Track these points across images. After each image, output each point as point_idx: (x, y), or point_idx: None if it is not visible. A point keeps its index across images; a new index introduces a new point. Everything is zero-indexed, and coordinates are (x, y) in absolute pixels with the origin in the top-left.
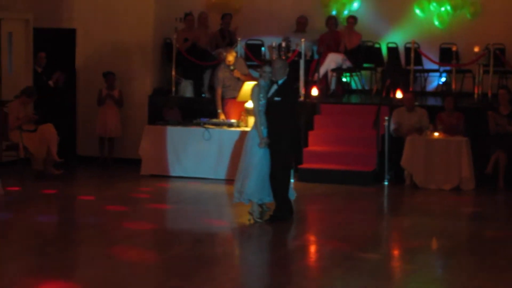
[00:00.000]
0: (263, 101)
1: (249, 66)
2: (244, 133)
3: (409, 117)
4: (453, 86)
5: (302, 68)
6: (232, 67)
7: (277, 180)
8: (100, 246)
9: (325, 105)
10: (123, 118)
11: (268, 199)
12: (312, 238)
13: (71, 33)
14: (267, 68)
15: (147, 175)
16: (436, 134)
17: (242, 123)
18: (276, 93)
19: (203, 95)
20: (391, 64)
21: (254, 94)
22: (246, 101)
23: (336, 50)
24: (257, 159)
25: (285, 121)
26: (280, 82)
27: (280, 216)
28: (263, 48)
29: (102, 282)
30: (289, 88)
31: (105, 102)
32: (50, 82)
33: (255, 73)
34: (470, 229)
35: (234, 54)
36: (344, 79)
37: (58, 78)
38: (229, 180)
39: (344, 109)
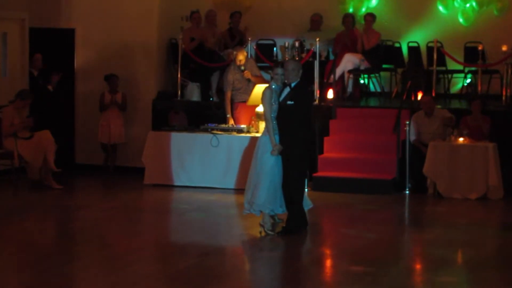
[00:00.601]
0: (275, 106)
1: (260, 68)
2: (254, 140)
3: (429, 123)
4: (479, 88)
5: (316, 70)
6: (242, 68)
7: (290, 189)
8: (101, 261)
9: (341, 109)
10: (126, 124)
11: (280, 210)
12: (327, 251)
13: (70, 33)
14: (279, 70)
15: (151, 184)
16: (461, 139)
17: (252, 129)
18: (289, 97)
19: (211, 98)
20: (412, 65)
21: (265, 98)
22: (257, 105)
23: (353, 50)
24: (269, 167)
25: (299, 127)
26: (293, 84)
27: (293, 228)
28: (275, 49)
29: None
30: (303, 91)
31: (108, 107)
32: (49, 86)
33: (266, 76)
34: (498, 241)
35: (245, 53)
36: (361, 81)
37: (53, 79)
38: (239, 190)
39: (361, 113)
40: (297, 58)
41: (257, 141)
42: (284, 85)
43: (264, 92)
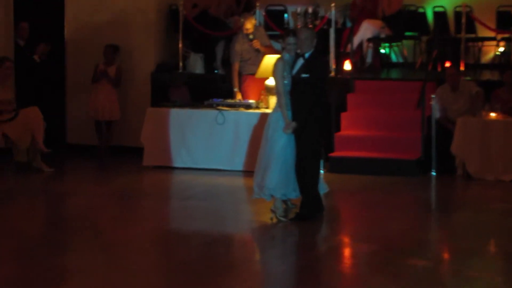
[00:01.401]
0: (287, 79)
1: (270, 37)
2: (264, 116)
3: (455, 99)
4: None
5: (332, 39)
6: (251, 37)
7: (305, 171)
8: (95, 250)
9: (360, 81)
10: (122, 100)
11: (294, 194)
12: (346, 239)
13: None
14: (291, 39)
15: (150, 166)
16: (492, 114)
17: (262, 104)
18: (303, 69)
19: (215, 71)
20: (439, 32)
21: (277, 71)
22: (266, 78)
23: (373, 17)
24: (280, 147)
25: (314, 102)
26: (307, 55)
27: (308, 214)
28: (286, 15)
29: None
30: (318, 62)
31: (100, 79)
32: (36, 57)
33: (277, 45)
34: None
35: (253, 21)
36: (382, 51)
37: (42, 50)
38: (247, 172)
39: (382, 86)
40: (310, 26)
41: (268, 118)
42: (297, 55)
43: (275, 64)
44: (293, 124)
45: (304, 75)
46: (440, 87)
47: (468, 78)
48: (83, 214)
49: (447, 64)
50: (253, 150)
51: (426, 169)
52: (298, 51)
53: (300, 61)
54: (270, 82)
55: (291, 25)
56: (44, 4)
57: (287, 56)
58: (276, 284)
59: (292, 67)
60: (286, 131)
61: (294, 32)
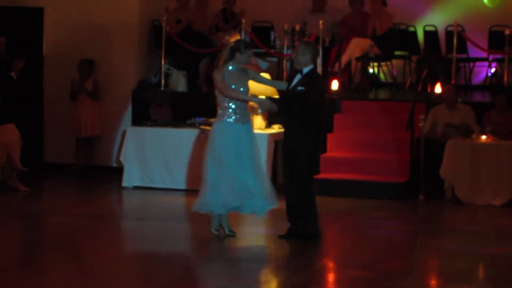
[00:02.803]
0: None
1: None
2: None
3: (449, 116)
4: (505, 79)
5: (320, 57)
6: None
7: (304, 190)
8: (73, 273)
9: (347, 101)
10: (102, 117)
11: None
12: (330, 264)
13: (38, 12)
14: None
15: (130, 187)
16: (483, 137)
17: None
18: (299, 83)
19: (199, 89)
20: (429, 52)
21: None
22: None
23: (362, 35)
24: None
25: (310, 118)
26: (305, 71)
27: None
28: (272, 33)
29: None
30: (315, 77)
31: (79, 95)
32: (13, 74)
33: (263, 64)
34: None
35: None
36: (371, 70)
37: (16, 65)
38: None
39: (370, 107)
40: (297, 44)
41: (210, 132)
42: (295, 71)
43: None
44: (266, 101)
45: (300, 88)
46: (435, 106)
47: (459, 99)
48: (60, 235)
49: (438, 85)
50: None
51: (414, 192)
52: (296, 67)
53: (298, 77)
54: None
55: (278, 42)
56: (22, 17)
57: (234, 65)
58: None
59: (290, 83)
60: (262, 109)
61: (247, 43)
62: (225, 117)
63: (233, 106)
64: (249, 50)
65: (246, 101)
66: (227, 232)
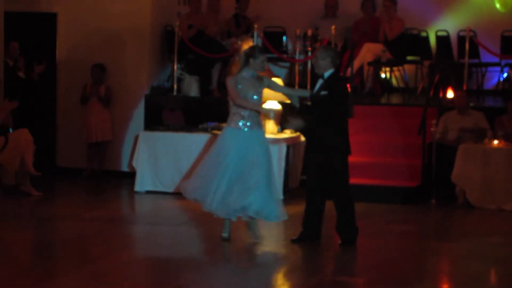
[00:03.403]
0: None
1: (268, 60)
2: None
3: (460, 122)
4: None
5: None
6: None
7: (346, 195)
8: (86, 277)
9: (359, 106)
10: (114, 122)
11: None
12: (341, 268)
13: (52, 18)
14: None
15: (143, 191)
16: (495, 142)
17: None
18: (322, 88)
19: (211, 94)
20: (441, 57)
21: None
22: (263, 102)
23: (374, 40)
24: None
25: (337, 120)
26: (326, 75)
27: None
28: (284, 38)
29: None
30: (337, 81)
31: (90, 100)
32: (20, 73)
33: (275, 69)
34: None
35: (251, 43)
36: (383, 75)
37: (39, 70)
38: None
39: (382, 112)
40: (309, 49)
41: (219, 136)
42: (317, 76)
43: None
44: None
45: (323, 93)
46: (447, 112)
47: (471, 104)
48: (72, 239)
49: (449, 90)
50: None
51: (426, 197)
52: (317, 71)
53: (320, 81)
54: (267, 106)
55: (290, 47)
56: (36, 23)
57: (248, 72)
58: None
59: (312, 88)
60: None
61: (259, 48)
62: (236, 123)
63: (245, 113)
64: (263, 55)
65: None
66: (255, 237)
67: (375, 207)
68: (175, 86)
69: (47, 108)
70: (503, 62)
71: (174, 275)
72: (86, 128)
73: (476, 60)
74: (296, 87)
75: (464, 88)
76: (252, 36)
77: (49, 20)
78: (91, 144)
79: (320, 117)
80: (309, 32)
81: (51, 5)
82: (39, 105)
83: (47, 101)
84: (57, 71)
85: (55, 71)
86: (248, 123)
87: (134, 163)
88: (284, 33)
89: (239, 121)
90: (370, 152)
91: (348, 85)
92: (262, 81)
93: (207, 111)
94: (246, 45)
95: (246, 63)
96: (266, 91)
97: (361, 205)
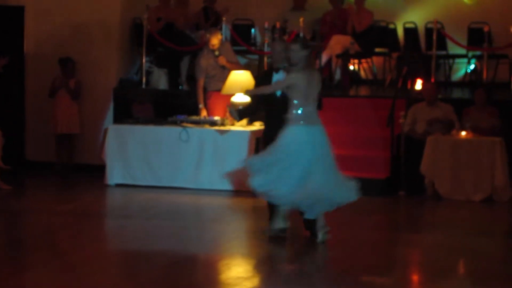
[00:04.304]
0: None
1: (237, 52)
2: (230, 134)
3: (429, 113)
4: (485, 75)
5: None
6: (216, 53)
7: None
8: (55, 271)
9: (328, 98)
10: (83, 115)
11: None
12: (311, 260)
13: (19, 11)
14: (294, 46)
15: (113, 184)
16: (463, 133)
17: (227, 121)
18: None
19: (180, 87)
20: (409, 49)
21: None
22: (232, 95)
23: (343, 32)
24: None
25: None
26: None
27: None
28: (253, 30)
29: None
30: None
31: (58, 92)
32: None
33: (243, 61)
34: (505, 249)
35: (219, 36)
36: (351, 67)
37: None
38: (212, 191)
39: (351, 104)
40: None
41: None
42: (270, 70)
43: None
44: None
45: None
46: (415, 104)
47: (439, 96)
48: (42, 233)
49: (418, 81)
50: (217, 168)
51: (395, 189)
52: (273, 65)
53: (280, 74)
54: (236, 98)
55: (258, 40)
56: (3, 15)
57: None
58: None
59: (268, 83)
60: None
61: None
62: (293, 121)
63: (299, 110)
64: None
65: (313, 105)
66: (320, 237)
67: None
68: (144, 79)
69: (15, 101)
70: (470, 54)
71: (145, 268)
72: (54, 120)
73: (444, 52)
74: None
75: (432, 80)
76: (221, 29)
77: (17, 13)
78: (59, 137)
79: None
80: (278, 25)
81: None
82: (7, 99)
83: (15, 95)
84: (25, 64)
85: (23, 64)
86: (303, 119)
87: (103, 156)
88: (252, 26)
89: (295, 119)
90: (339, 144)
91: None
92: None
93: (176, 104)
94: (214, 38)
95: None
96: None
97: None
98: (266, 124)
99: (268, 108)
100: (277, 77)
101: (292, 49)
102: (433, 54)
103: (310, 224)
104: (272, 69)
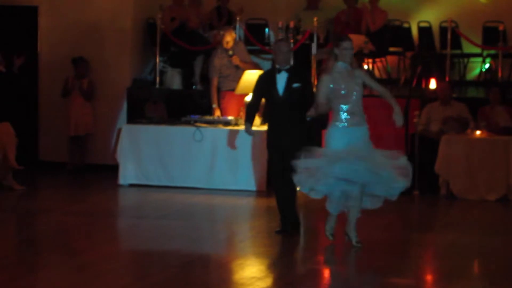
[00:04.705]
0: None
1: (250, 52)
2: (243, 133)
3: (443, 112)
4: (500, 74)
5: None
6: (230, 52)
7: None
8: (66, 271)
9: None
10: (96, 115)
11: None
12: (324, 260)
13: (33, 11)
14: (347, 43)
15: (126, 184)
16: (478, 132)
17: (241, 121)
18: (291, 80)
19: (193, 87)
20: (423, 48)
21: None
22: (246, 94)
23: (357, 31)
24: None
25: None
26: (288, 67)
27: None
28: (266, 30)
29: None
30: (302, 71)
31: (71, 93)
32: (0, 67)
33: (257, 60)
34: None
35: (233, 35)
36: (365, 67)
37: (15, 62)
38: (225, 190)
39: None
40: (292, 41)
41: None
42: (273, 70)
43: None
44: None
45: (295, 85)
46: (430, 103)
47: (454, 95)
48: (54, 233)
49: (432, 81)
50: (231, 168)
51: (409, 188)
52: (278, 65)
53: (283, 75)
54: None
55: (272, 39)
56: (16, 16)
57: (341, 65)
58: None
59: (271, 83)
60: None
61: (348, 37)
62: (337, 122)
63: (344, 109)
64: (345, 41)
65: (358, 106)
66: (354, 243)
67: None
68: (158, 79)
69: (29, 101)
70: (485, 52)
71: (157, 268)
72: (68, 122)
73: (458, 51)
74: None
75: (447, 79)
76: (234, 28)
77: (30, 13)
78: (73, 137)
79: (294, 110)
80: (291, 24)
81: None
82: (20, 99)
83: (29, 95)
84: (39, 64)
85: (36, 64)
86: (348, 119)
87: (117, 157)
88: (266, 25)
89: (339, 120)
90: None
91: None
92: (354, 74)
93: (190, 103)
94: (228, 37)
95: (335, 56)
96: (244, 84)
97: None
98: (269, 125)
99: (270, 108)
100: (280, 77)
101: (345, 47)
102: (448, 53)
103: (288, 226)
104: (275, 70)
